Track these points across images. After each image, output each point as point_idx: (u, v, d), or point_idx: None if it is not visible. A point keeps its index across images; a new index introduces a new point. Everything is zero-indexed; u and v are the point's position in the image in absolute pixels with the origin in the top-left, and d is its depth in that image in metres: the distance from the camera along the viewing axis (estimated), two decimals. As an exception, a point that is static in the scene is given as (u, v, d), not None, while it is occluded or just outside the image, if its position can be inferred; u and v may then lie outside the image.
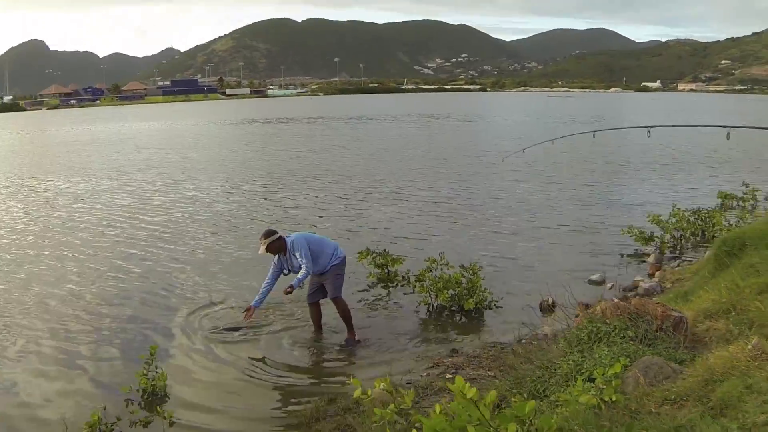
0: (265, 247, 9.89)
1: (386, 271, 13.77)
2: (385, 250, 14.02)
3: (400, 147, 43.92)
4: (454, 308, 11.96)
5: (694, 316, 8.17)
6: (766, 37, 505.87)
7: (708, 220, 16.47)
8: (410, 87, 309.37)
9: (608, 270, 14.31)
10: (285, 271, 10.25)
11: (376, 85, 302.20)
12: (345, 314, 10.37)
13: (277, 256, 10.11)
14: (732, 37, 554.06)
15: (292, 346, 10.39)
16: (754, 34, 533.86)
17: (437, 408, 4.09)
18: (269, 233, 9.99)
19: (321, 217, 20.63)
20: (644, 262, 15.01)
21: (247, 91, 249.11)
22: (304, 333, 10.85)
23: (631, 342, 7.27)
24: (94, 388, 8.79)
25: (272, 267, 10.20)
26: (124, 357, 9.93)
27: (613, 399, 5.26)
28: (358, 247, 14.36)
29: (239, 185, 27.31)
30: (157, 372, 8.39)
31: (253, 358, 9.82)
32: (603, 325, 7.76)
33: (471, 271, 12.19)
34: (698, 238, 16.47)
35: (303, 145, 45.67)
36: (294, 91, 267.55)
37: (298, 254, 9.85)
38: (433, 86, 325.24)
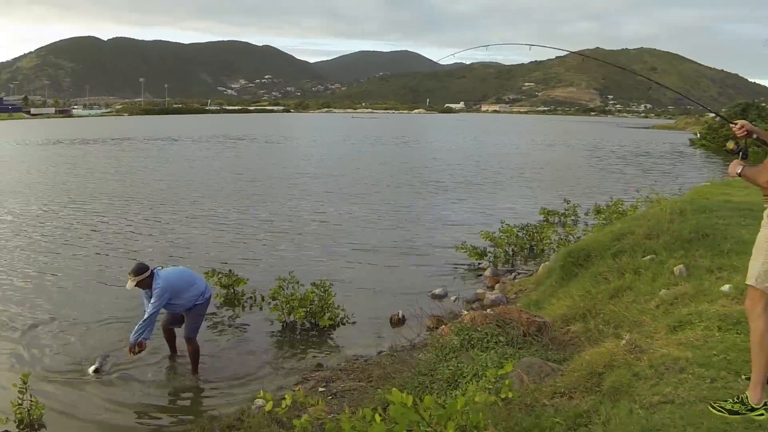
0: (134, 283, 9.38)
1: (233, 291, 13.64)
2: (230, 270, 13.91)
3: (209, 169, 43.07)
4: (307, 325, 12.05)
5: (551, 322, 8.69)
6: (570, 60, 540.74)
7: (536, 235, 17.43)
8: (215, 108, 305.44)
9: (448, 284, 14.89)
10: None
11: (180, 105, 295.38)
12: (194, 356, 10.02)
13: (145, 291, 9.63)
14: (536, 61, 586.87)
15: (158, 372, 10.07)
16: (557, 57, 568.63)
17: (377, 417, 4.23)
18: (140, 269, 9.45)
19: (142, 241, 19.70)
20: (480, 276, 15.71)
21: (52, 110, 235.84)
22: (164, 360, 10.53)
23: (505, 346, 7.67)
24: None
25: (144, 300, 9.71)
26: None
27: (510, 396, 5.50)
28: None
29: (54, 210, 25.53)
30: (32, 401, 7.84)
31: (121, 386, 9.42)
32: (475, 333, 8.14)
33: (322, 288, 12.32)
34: (527, 252, 17.37)
35: (112, 167, 43.51)
36: (99, 111, 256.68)
37: (155, 293, 9.40)
38: (237, 107, 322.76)
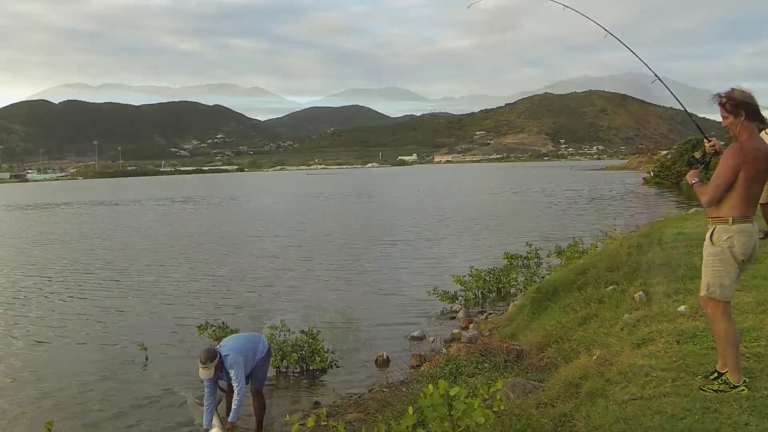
0: (212, 371, 9.13)
1: (224, 342, 14.36)
2: (223, 322, 14.59)
3: (179, 230, 43.38)
4: (299, 369, 12.92)
5: (528, 349, 9.70)
6: (520, 106, 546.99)
7: (502, 277, 18.47)
8: (169, 170, 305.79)
9: (424, 327, 15.74)
10: (221, 383, 9.73)
11: (134, 168, 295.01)
12: (261, 410, 10.12)
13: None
14: (486, 109, 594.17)
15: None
16: (507, 105, 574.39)
17: (410, 410, 5.11)
18: (212, 356, 9.17)
19: (116, 308, 19.63)
20: (454, 318, 16.61)
21: (7, 175, 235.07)
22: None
23: (490, 371, 8.63)
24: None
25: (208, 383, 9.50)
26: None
27: (502, 408, 6.42)
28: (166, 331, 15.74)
29: (10, 276, 25.75)
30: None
31: None
32: (462, 361, 9.11)
33: (311, 335, 13.17)
34: (495, 294, 18.36)
35: (77, 232, 43.30)
36: (54, 175, 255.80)
37: (233, 372, 9.32)
38: (191, 168, 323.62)
